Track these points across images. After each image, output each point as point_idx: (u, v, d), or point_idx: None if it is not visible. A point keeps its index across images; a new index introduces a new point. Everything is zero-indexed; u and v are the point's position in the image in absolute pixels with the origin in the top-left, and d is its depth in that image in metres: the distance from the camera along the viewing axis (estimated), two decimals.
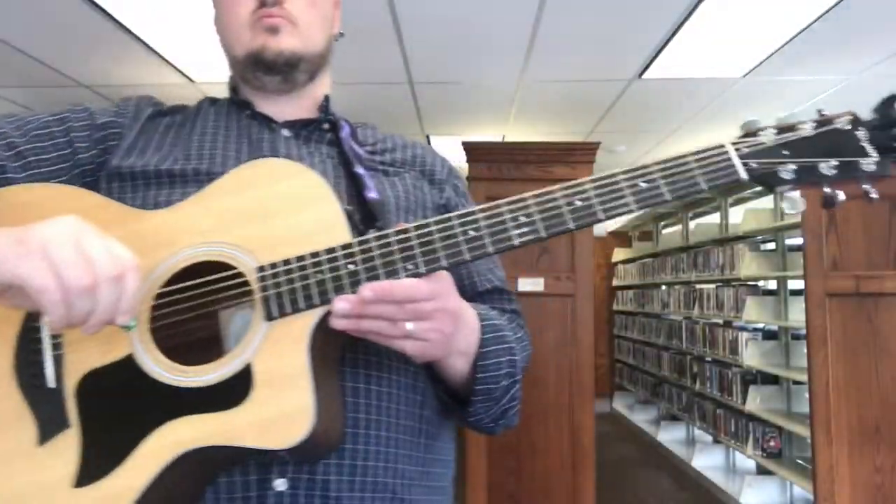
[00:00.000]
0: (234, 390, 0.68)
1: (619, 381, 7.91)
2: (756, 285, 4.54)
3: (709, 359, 5.09)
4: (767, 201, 4.44)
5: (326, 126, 0.94)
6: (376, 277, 0.69)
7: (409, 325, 0.68)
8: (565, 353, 2.98)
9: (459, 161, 3.86)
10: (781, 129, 0.73)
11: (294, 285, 0.70)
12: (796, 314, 4.06)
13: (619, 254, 8.04)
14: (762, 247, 4.50)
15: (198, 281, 0.72)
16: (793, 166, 0.71)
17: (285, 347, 0.69)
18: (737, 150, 0.72)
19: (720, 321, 4.86)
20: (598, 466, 2.98)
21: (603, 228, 8.60)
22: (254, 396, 0.68)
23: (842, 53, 3.44)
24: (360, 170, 0.87)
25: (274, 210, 0.74)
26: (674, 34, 3.21)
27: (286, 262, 0.71)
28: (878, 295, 2.90)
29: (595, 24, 3.10)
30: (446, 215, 0.72)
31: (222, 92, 0.99)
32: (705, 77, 3.82)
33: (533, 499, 2.94)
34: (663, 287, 6.35)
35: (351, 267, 0.70)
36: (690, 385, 5.38)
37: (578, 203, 0.71)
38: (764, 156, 0.72)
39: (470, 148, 3.06)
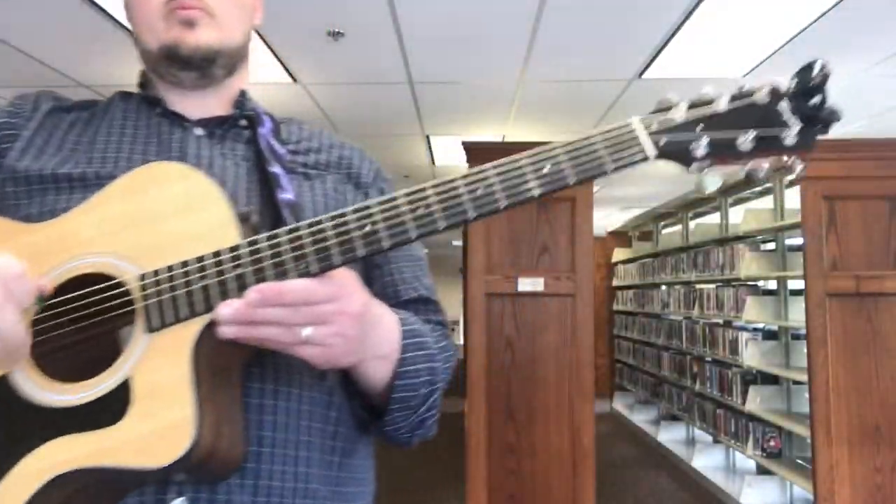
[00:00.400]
0: (113, 407, 0.64)
1: (619, 381, 7.91)
2: (756, 285, 4.54)
3: (709, 359, 5.09)
4: (768, 201, 4.44)
5: (244, 123, 0.88)
6: (265, 280, 0.65)
7: (307, 331, 0.63)
8: (565, 353, 2.98)
9: (459, 161, 3.86)
10: (695, 104, 0.69)
11: (176, 293, 0.66)
12: (796, 314, 4.06)
13: (619, 254, 8.04)
14: (762, 247, 4.51)
15: (76, 294, 0.68)
16: (706, 140, 0.67)
17: (166, 359, 0.65)
18: (646, 126, 0.68)
19: (720, 321, 4.86)
20: (598, 466, 2.98)
21: (603, 228, 8.61)
22: (132, 412, 0.64)
23: (842, 53, 3.44)
24: (275, 168, 0.82)
25: (161, 215, 0.70)
26: (674, 34, 3.21)
27: (169, 268, 0.67)
28: (878, 295, 2.90)
29: (595, 24, 3.10)
30: (342, 210, 0.67)
31: None
32: (705, 77, 3.82)
33: (533, 499, 2.94)
34: (663, 287, 6.35)
35: (238, 271, 0.65)
36: (690, 385, 5.38)
37: (480, 191, 0.67)
38: (675, 132, 0.68)
39: (470, 148, 3.06)
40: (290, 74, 3.73)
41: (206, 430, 0.63)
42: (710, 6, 2.90)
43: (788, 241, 4.21)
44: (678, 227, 6.20)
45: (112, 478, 0.65)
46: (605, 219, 8.76)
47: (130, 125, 0.86)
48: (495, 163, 0.68)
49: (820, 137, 0.67)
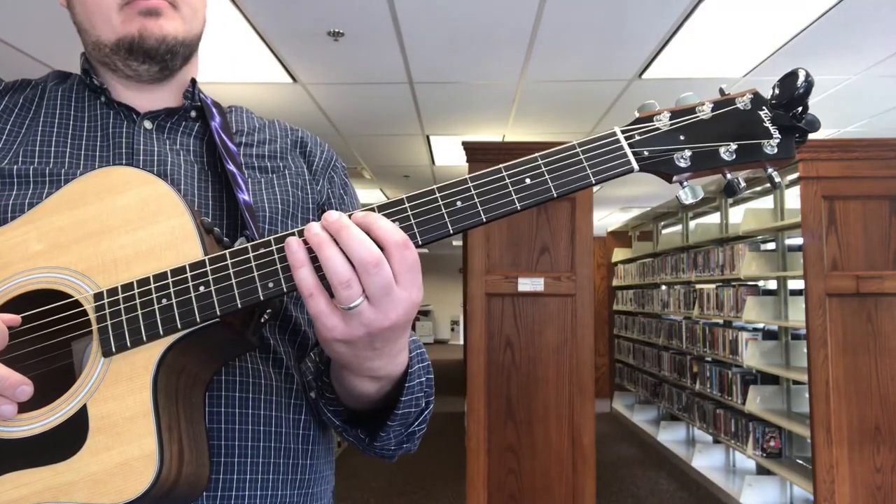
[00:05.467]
0: (67, 439, 0.59)
1: (619, 381, 7.90)
2: (756, 285, 4.54)
3: (709, 359, 5.09)
4: (768, 201, 4.45)
5: (193, 114, 0.84)
6: (231, 299, 0.60)
7: (357, 301, 0.57)
8: (565, 353, 2.98)
9: (460, 161, 3.85)
10: (677, 113, 0.66)
11: (135, 313, 0.61)
12: (796, 314, 4.06)
13: (619, 254, 8.04)
14: (762, 247, 4.51)
15: (26, 314, 0.63)
16: (689, 153, 0.64)
17: (125, 386, 0.60)
18: (628, 137, 0.64)
19: (720, 321, 4.86)
20: (598, 466, 2.99)
21: (603, 228, 8.60)
22: (89, 445, 0.59)
23: (842, 53, 3.44)
24: (231, 167, 0.78)
25: (115, 226, 0.64)
26: (674, 34, 3.21)
27: (126, 287, 0.62)
28: (878, 295, 2.90)
29: (595, 23, 3.10)
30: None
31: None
32: (705, 77, 3.82)
33: (533, 499, 2.94)
34: (663, 287, 6.35)
35: (201, 289, 0.61)
36: (690, 385, 5.38)
37: (459, 204, 0.63)
38: (657, 143, 0.64)
39: (470, 148, 3.06)
40: (290, 74, 3.73)
41: (168, 463, 0.59)
42: (710, 6, 2.90)
43: (788, 241, 4.21)
44: (678, 227, 6.20)
45: None
46: (605, 219, 8.76)
47: (72, 116, 0.80)
48: (472, 175, 0.64)
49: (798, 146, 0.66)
